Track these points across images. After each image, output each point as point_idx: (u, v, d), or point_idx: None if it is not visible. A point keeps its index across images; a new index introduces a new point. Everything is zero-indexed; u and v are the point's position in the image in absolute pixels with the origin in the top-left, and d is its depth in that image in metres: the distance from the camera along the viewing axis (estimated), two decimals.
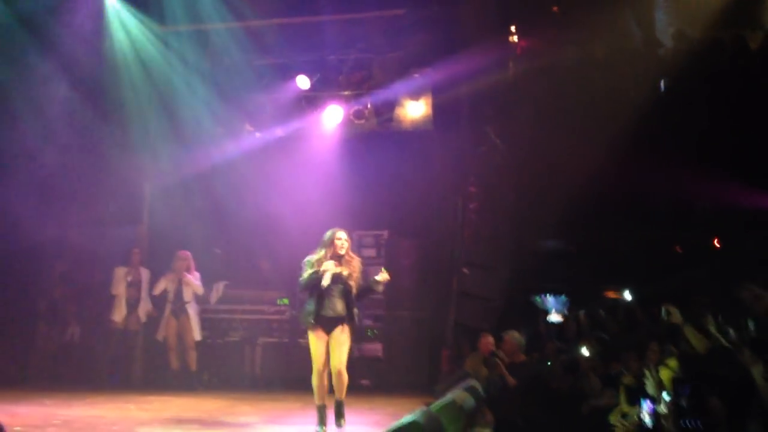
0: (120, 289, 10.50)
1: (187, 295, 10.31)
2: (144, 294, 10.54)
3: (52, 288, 11.01)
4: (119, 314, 10.45)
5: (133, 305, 10.50)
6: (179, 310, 10.30)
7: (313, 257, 6.61)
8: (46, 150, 9.95)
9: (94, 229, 10.89)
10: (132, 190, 11.08)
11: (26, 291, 10.74)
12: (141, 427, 6.84)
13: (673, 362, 6.33)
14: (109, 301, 10.55)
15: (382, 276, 6.59)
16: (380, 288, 6.73)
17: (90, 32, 10.11)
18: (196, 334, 10.35)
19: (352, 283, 6.59)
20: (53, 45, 9.80)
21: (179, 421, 7.28)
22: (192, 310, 10.34)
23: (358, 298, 6.68)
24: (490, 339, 8.79)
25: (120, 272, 10.54)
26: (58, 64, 9.95)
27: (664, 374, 6.19)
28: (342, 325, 6.54)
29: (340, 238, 6.61)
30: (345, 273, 6.56)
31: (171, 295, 10.32)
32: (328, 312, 6.51)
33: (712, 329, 6.58)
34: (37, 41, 9.75)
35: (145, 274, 10.61)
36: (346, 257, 6.63)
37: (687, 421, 5.45)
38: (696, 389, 5.61)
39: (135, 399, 8.65)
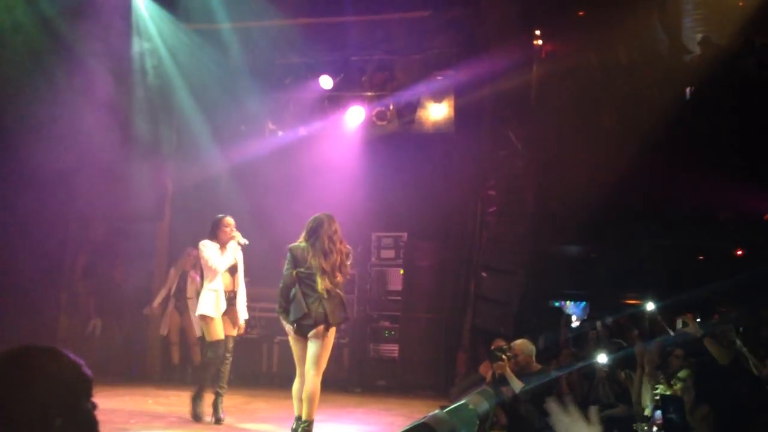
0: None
1: (190, 291, 10.33)
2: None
3: (74, 281, 11.15)
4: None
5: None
6: (182, 306, 10.41)
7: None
8: (71, 146, 10.05)
9: (116, 224, 11.01)
10: (155, 187, 11.16)
11: (49, 284, 10.87)
12: (157, 421, 6.92)
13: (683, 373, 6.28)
14: (131, 293, 10.76)
15: None
16: None
17: (117, 30, 10.21)
18: (198, 330, 10.42)
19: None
20: (79, 42, 9.90)
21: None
22: (194, 306, 10.39)
23: None
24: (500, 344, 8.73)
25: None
26: (84, 61, 10.05)
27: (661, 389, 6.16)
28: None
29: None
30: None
31: (173, 291, 10.43)
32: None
33: (737, 341, 6.51)
34: (64, 40, 9.85)
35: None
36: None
37: None
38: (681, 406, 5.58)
39: (153, 393, 8.73)
